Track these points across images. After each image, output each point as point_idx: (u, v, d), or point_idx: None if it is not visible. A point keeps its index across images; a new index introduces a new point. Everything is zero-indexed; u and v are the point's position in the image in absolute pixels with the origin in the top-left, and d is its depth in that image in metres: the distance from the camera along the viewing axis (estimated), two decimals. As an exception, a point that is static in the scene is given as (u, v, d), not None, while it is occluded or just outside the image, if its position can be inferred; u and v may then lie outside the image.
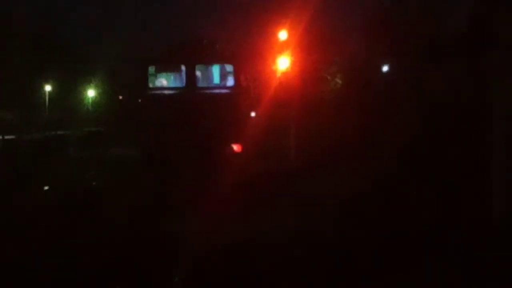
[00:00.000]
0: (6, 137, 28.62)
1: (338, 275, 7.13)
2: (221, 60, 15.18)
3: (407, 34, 21.87)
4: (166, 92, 14.90)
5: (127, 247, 8.37)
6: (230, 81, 14.89)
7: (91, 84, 44.63)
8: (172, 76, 15.12)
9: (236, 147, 14.12)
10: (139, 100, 15.96)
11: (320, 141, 19.61)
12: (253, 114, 18.14)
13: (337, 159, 16.30)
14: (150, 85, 14.85)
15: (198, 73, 14.80)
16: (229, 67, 15.02)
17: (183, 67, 14.66)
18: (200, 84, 14.83)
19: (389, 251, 7.84)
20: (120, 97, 40.13)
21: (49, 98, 40.70)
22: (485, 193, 9.14)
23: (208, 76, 15.18)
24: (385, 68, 26.36)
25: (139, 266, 7.45)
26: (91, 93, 45.07)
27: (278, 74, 20.29)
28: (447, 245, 8.01)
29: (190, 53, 14.66)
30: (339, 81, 26.92)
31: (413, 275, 7.01)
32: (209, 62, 15.08)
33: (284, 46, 20.23)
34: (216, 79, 15.31)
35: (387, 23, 23.58)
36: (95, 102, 45.53)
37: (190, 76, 14.55)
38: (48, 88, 40.39)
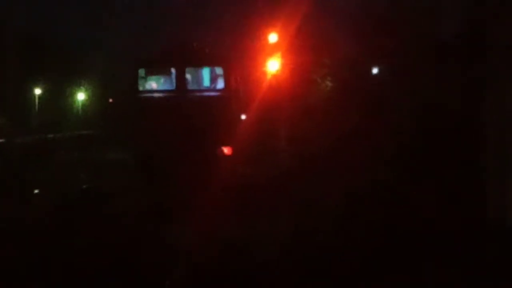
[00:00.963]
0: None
1: (335, 276, 7.19)
2: (211, 63, 15.19)
3: (402, 34, 21.90)
4: (156, 95, 14.90)
5: (121, 247, 8.43)
6: (220, 84, 14.91)
7: (83, 87, 44.51)
8: (162, 79, 15.13)
9: (226, 150, 14.14)
10: (129, 103, 15.94)
11: (312, 142, 19.62)
12: (243, 116, 18.16)
13: (329, 161, 16.31)
14: (140, 88, 14.84)
15: (188, 76, 14.82)
16: (219, 70, 15.03)
17: (173, 70, 14.68)
18: (190, 87, 14.84)
19: (388, 252, 7.91)
20: (111, 100, 40.04)
21: (40, 101, 40.56)
22: (482, 194, 9.24)
23: (198, 79, 15.19)
24: (376, 70, 26.33)
25: (132, 270, 7.50)
26: (81, 96, 44.96)
27: (268, 77, 20.33)
28: (444, 246, 8.11)
29: (180, 56, 14.66)
30: (329, 83, 26.93)
31: (412, 275, 7.09)
32: (199, 65, 15.08)
33: (274, 48, 20.29)
34: (206, 82, 15.33)
35: (381, 23, 23.59)
36: (86, 104, 45.43)
37: (180, 79, 14.56)
38: (38, 91, 40.26)
